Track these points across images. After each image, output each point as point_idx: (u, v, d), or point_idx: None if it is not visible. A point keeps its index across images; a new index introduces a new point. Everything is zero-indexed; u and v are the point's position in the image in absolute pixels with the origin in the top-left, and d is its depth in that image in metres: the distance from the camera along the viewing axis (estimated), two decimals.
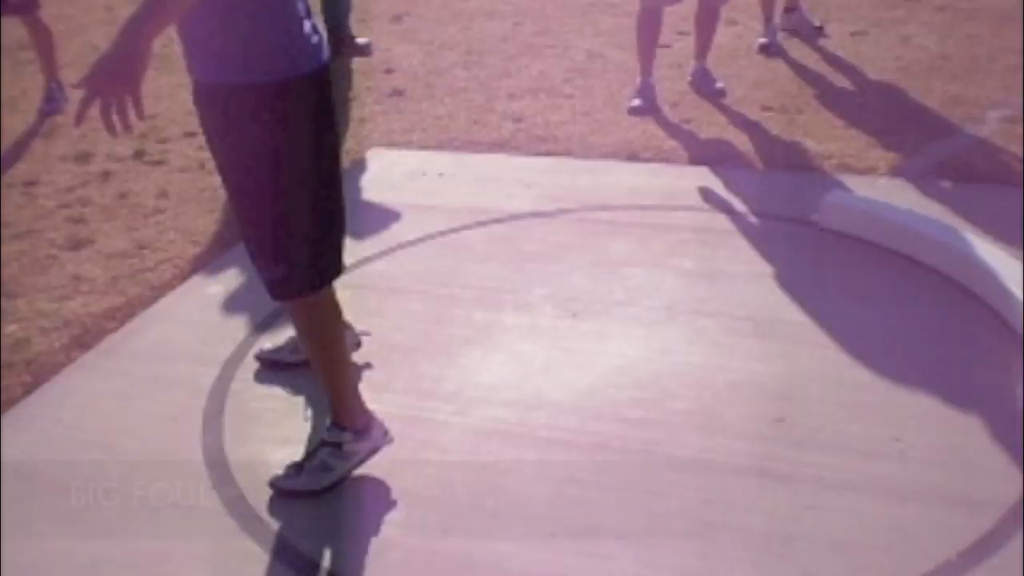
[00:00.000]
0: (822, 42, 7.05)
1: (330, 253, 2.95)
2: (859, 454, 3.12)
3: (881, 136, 5.49)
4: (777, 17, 7.07)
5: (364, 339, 3.68)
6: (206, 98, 2.79)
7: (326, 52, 2.80)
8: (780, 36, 7.02)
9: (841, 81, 6.39)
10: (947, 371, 3.49)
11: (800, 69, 6.62)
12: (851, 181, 4.96)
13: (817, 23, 7.17)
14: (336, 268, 2.98)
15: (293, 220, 2.82)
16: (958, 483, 2.98)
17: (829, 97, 6.13)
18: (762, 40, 6.98)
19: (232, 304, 4.13)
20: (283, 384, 3.59)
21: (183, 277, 4.39)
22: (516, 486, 3.06)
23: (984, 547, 2.75)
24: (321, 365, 3.06)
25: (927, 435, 3.19)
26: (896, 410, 3.31)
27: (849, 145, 5.39)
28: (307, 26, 2.73)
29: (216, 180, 5.22)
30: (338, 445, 3.05)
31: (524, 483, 3.07)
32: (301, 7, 2.72)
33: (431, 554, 2.82)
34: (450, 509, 2.98)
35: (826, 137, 5.51)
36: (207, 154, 5.60)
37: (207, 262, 4.51)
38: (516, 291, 4.13)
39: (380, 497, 3.04)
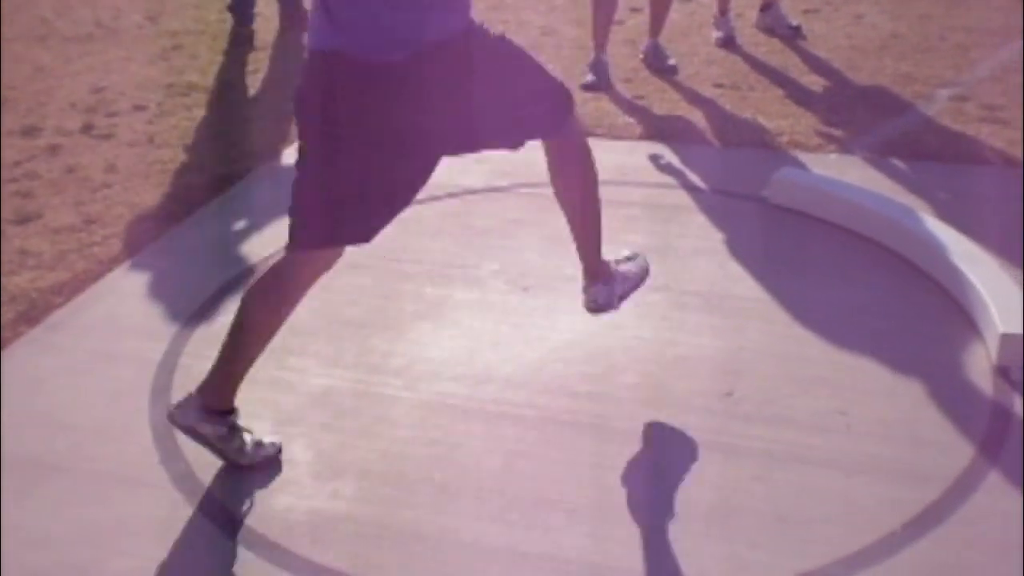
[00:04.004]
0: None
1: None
2: (806, 428, 3.15)
3: (832, 113, 5.53)
4: (732, 10, 6.82)
5: (314, 314, 3.65)
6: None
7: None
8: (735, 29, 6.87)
9: (793, 59, 6.41)
10: (894, 345, 3.53)
11: (752, 47, 6.64)
12: (802, 158, 5.00)
13: (795, 23, 6.81)
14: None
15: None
16: (904, 456, 3.02)
17: (781, 74, 6.15)
18: (718, 35, 6.75)
19: (180, 278, 4.09)
20: None
21: (131, 252, 4.34)
22: (465, 460, 3.07)
23: (930, 519, 2.78)
24: (238, 346, 3.00)
25: (874, 408, 3.22)
26: (843, 384, 3.34)
27: (800, 122, 5.42)
28: None
29: (165, 154, 5.28)
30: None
31: (473, 457, 3.08)
32: None
33: (381, 527, 2.82)
34: (399, 483, 2.98)
35: (777, 114, 5.54)
36: (156, 128, 5.65)
37: (155, 236, 4.46)
38: (467, 266, 4.13)
39: (330, 471, 3.03)
